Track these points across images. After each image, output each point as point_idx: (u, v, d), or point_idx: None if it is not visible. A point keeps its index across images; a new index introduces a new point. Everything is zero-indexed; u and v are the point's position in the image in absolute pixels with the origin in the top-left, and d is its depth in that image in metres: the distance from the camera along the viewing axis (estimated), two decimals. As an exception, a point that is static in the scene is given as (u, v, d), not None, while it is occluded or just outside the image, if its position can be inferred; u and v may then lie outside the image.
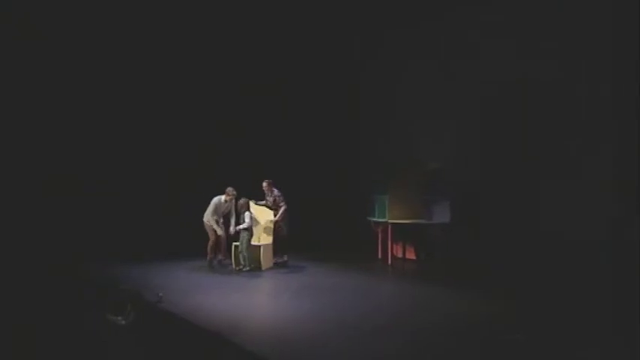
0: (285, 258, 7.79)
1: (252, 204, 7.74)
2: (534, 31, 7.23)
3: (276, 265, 7.64)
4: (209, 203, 7.65)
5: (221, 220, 7.72)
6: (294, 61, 9.10)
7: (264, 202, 7.84)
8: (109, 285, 5.98)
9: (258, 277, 7.31)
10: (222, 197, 7.71)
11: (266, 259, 7.75)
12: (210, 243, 7.66)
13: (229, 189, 7.68)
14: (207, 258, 7.74)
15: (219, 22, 8.45)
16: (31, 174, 7.81)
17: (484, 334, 4.55)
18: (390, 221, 8.13)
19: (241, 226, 7.49)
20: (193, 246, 7.86)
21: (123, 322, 4.88)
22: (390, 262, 8.23)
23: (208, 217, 7.65)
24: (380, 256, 8.56)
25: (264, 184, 7.80)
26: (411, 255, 8.52)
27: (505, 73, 7.51)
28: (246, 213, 7.54)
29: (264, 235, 7.82)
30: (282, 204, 7.73)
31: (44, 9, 7.40)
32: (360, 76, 9.72)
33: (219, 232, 7.63)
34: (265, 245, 7.78)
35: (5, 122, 7.57)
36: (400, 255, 8.60)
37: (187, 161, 8.78)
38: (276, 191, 7.81)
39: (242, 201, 7.63)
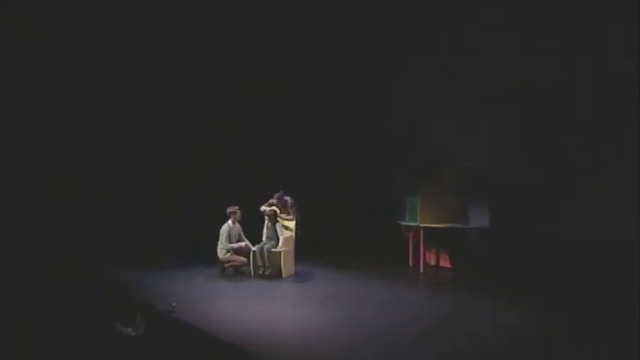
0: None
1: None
2: (543, 29, 7.47)
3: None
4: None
5: (243, 243, 7.70)
6: (293, 61, 9.45)
7: (289, 217, 7.88)
8: (117, 293, 6.06)
9: (279, 285, 7.34)
10: (230, 222, 7.66)
11: (287, 266, 7.82)
12: (236, 264, 7.67)
13: (231, 208, 7.60)
14: (225, 266, 7.76)
15: (219, 22, 8.76)
16: (31, 174, 8.27)
17: (524, 350, 4.53)
18: (421, 225, 8.07)
19: (279, 247, 7.58)
20: (205, 251, 7.99)
21: (133, 333, 4.91)
22: (422, 270, 8.17)
23: (224, 246, 7.55)
24: (411, 263, 8.52)
25: (274, 200, 7.77)
26: (445, 263, 8.43)
27: (550, 68, 7.60)
28: (278, 224, 7.71)
29: (286, 241, 7.90)
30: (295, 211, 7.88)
31: (44, 9, 7.80)
32: (363, 74, 10.00)
33: (242, 259, 7.59)
34: (287, 251, 7.85)
35: (5, 122, 8.02)
36: (433, 263, 8.52)
37: (187, 161, 9.27)
38: (289, 200, 7.89)
39: (269, 211, 7.68)
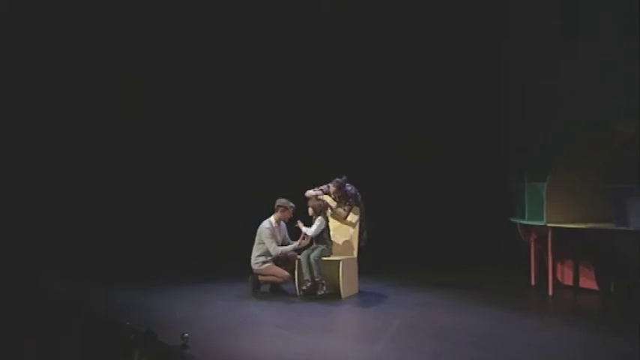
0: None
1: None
2: None
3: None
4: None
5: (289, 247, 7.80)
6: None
7: (344, 211, 7.98)
8: (105, 322, 6.13)
9: (336, 309, 7.24)
10: (272, 219, 7.71)
11: (347, 283, 7.63)
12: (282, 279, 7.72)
13: (283, 202, 7.73)
14: (260, 280, 7.78)
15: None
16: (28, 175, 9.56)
17: None
18: (550, 225, 7.78)
19: (309, 231, 7.62)
20: (229, 259, 8.29)
21: (129, 377, 5.00)
22: (551, 292, 7.93)
23: (266, 254, 7.67)
24: (534, 282, 8.28)
25: (332, 186, 7.86)
26: (588, 283, 8.16)
27: None
28: (319, 218, 7.72)
29: (345, 246, 7.81)
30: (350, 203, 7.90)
31: (44, 9, 9.38)
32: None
33: (285, 275, 7.61)
34: (347, 261, 7.66)
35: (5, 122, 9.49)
36: (570, 282, 8.25)
37: (196, 152, 10.55)
38: (351, 190, 7.93)
39: (316, 202, 7.77)
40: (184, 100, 10.41)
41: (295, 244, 7.68)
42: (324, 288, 7.47)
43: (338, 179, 7.85)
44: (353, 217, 7.93)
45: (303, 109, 10.53)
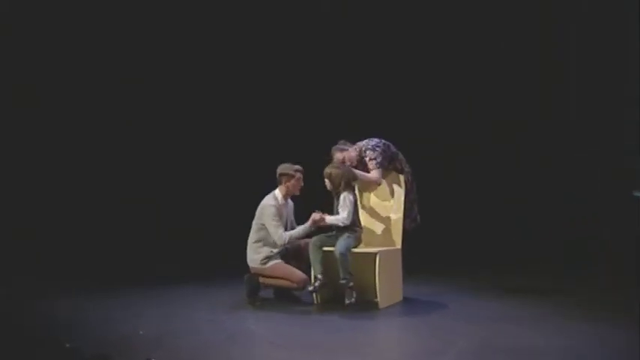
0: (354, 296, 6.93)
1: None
2: None
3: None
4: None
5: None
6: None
7: (375, 175, 7.60)
8: (42, 340, 5.97)
9: (370, 324, 6.69)
10: (278, 194, 7.15)
11: (388, 286, 6.91)
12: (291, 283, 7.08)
13: (287, 168, 7.17)
14: (247, 278, 7.13)
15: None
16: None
17: None
18: None
19: (339, 219, 6.87)
20: (222, 261, 8.49)
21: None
22: None
23: (276, 239, 7.04)
24: None
25: (348, 149, 7.38)
26: None
27: None
28: (344, 194, 6.98)
29: (383, 232, 7.27)
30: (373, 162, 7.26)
31: (44, 8, 10.37)
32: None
33: (301, 277, 6.92)
34: (386, 253, 6.93)
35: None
36: None
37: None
38: (378, 145, 7.36)
39: (334, 170, 7.13)
40: (175, 97, 11.09)
41: (307, 224, 6.86)
42: (354, 294, 6.57)
43: (357, 143, 7.29)
44: (392, 188, 7.29)
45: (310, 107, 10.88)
